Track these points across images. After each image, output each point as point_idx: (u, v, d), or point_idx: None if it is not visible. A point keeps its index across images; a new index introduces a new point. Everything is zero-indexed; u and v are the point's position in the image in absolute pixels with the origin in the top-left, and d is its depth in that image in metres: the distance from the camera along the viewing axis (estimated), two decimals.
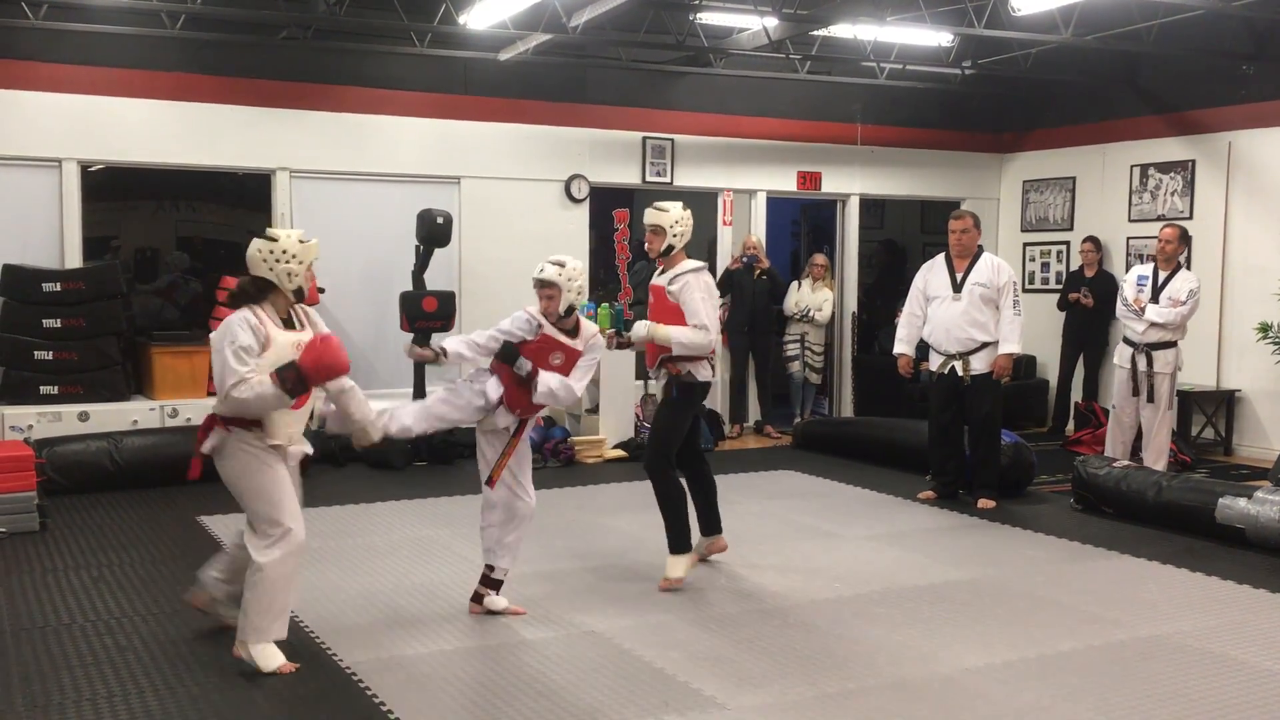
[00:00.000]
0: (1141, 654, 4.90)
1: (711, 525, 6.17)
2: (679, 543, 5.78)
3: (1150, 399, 8.11)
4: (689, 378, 5.78)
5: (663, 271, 5.89)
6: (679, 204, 5.92)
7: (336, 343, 4.56)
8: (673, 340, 5.69)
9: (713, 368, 5.94)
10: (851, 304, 11.81)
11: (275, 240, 4.52)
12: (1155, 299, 8.10)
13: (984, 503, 7.68)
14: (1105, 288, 10.75)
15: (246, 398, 4.34)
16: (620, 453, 9.47)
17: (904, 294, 8.18)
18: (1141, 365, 8.11)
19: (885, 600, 5.59)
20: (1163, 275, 8.15)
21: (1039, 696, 4.41)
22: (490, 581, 5.33)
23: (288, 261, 4.49)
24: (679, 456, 5.89)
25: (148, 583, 5.77)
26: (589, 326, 5.40)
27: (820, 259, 11.22)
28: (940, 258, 7.86)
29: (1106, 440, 8.45)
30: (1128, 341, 8.24)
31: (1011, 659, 4.81)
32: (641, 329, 5.78)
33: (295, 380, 4.39)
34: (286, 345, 4.46)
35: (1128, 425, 8.34)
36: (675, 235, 5.82)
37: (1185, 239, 8.34)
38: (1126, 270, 10.81)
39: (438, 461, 9.06)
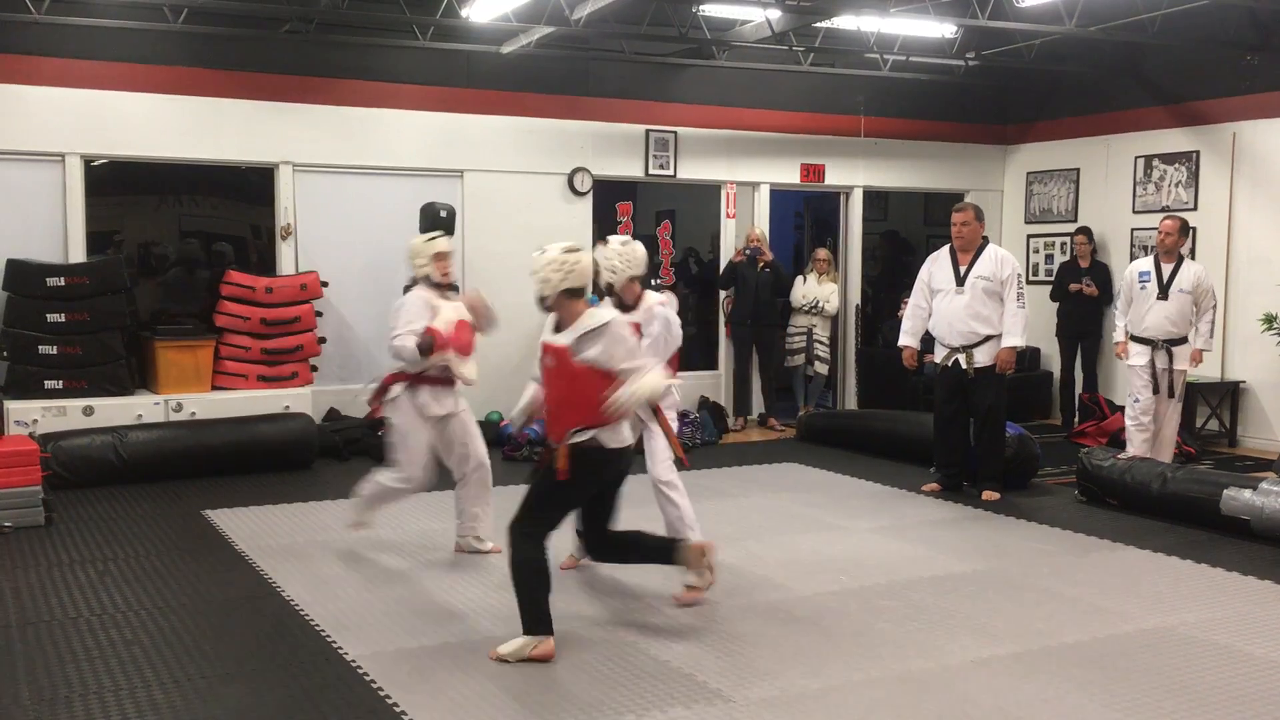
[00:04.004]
0: (1147, 646, 4.90)
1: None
2: (527, 622, 4.66)
3: (1171, 394, 7.98)
4: (592, 443, 4.68)
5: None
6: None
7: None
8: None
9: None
10: (855, 296, 11.80)
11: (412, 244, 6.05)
12: (1164, 294, 7.93)
13: (989, 495, 7.68)
14: (1101, 278, 10.76)
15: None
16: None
17: (906, 286, 8.15)
18: (1161, 363, 7.94)
19: (890, 593, 5.59)
20: (1167, 269, 8.01)
21: (1044, 688, 4.41)
22: None
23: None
24: (592, 536, 5.15)
25: (154, 576, 5.78)
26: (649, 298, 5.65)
27: (823, 253, 11.21)
28: (945, 250, 7.84)
29: (1130, 443, 8.08)
30: (1140, 340, 8.02)
31: (1017, 651, 4.81)
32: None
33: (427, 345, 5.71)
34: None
35: (1150, 423, 8.03)
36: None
37: (1186, 230, 8.20)
38: (1131, 261, 10.80)
39: None
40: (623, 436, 4.78)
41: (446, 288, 6.08)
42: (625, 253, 5.54)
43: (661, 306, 5.62)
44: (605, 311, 4.79)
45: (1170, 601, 5.53)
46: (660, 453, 5.69)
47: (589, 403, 4.60)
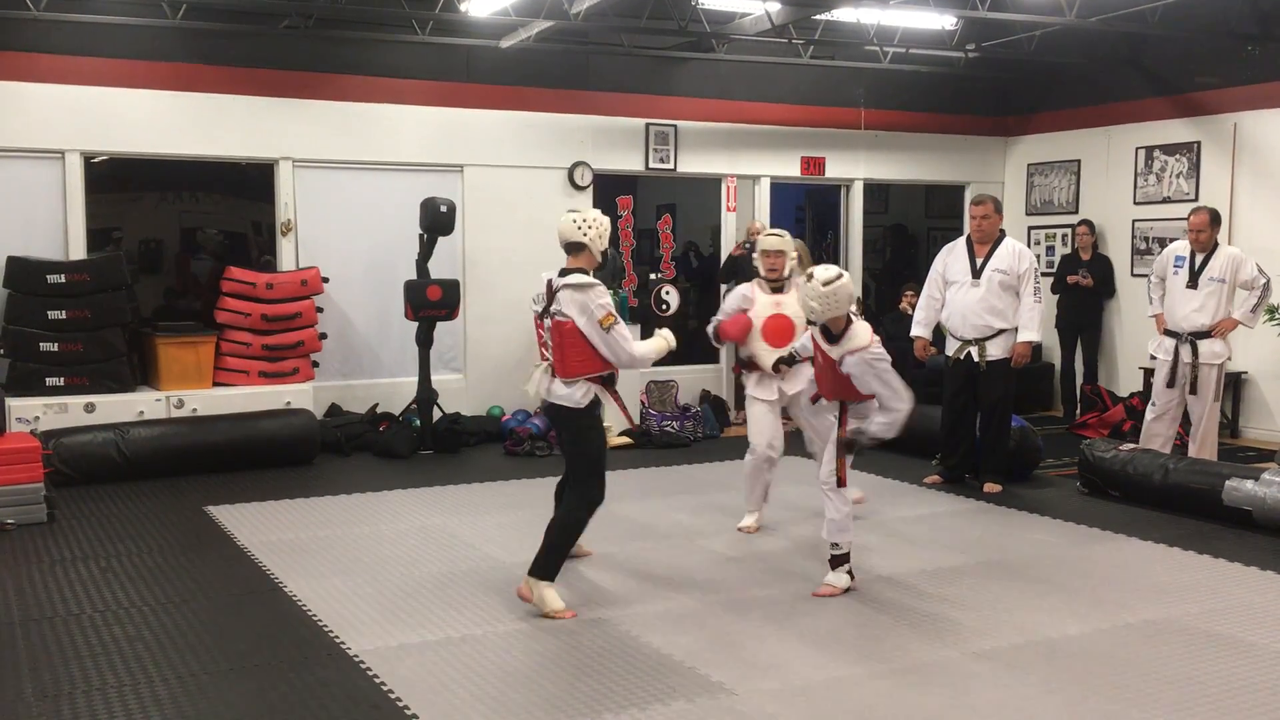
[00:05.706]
0: (1149, 637, 4.90)
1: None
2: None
3: (1194, 390, 7.69)
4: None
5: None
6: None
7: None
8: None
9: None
10: (856, 289, 11.75)
11: None
12: (1194, 283, 7.68)
13: (990, 487, 7.68)
14: (1102, 270, 10.75)
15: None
16: (625, 440, 9.47)
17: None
18: (1186, 357, 7.70)
19: (892, 585, 5.60)
20: (1200, 256, 7.70)
21: (1046, 680, 4.41)
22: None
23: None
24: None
25: (156, 573, 5.78)
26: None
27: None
28: (961, 241, 7.79)
29: (1143, 438, 7.94)
30: (1168, 333, 7.81)
31: (1019, 643, 4.81)
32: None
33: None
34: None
35: (1169, 421, 7.89)
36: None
37: (1217, 220, 7.79)
38: (1133, 254, 10.80)
39: (444, 450, 9.07)
40: (555, 392, 5.36)
41: (773, 282, 6.70)
42: (827, 294, 5.22)
43: (863, 350, 5.30)
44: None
45: (1172, 593, 5.53)
46: (828, 458, 5.59)
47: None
